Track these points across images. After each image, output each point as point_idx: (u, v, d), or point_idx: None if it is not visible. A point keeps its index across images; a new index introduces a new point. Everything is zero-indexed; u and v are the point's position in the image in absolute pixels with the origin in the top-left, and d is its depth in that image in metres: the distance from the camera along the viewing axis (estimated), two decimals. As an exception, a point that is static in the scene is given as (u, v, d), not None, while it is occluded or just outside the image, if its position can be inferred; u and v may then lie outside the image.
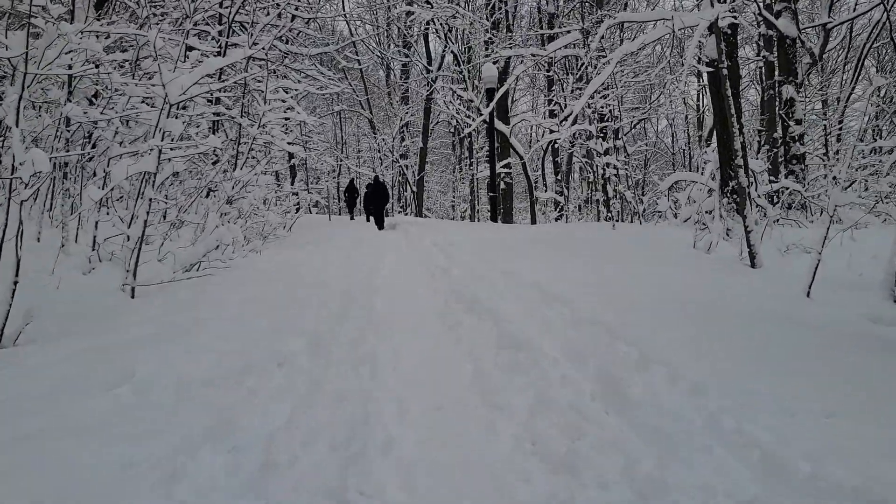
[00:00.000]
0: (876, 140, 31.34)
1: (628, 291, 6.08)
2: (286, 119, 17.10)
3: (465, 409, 3.38)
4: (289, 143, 15.54)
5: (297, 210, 17.93)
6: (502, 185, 22.08)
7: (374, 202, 20.20)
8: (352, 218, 24.09)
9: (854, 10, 28.39)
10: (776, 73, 17.93)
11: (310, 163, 37.83)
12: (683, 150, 36.65)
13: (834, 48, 30.01)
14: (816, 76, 27.46)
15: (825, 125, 25.88)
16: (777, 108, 17.28)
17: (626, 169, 19.23)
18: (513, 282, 6.60)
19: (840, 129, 30.65)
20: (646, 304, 5.46)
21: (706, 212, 12.75)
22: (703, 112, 31.63)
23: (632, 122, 29.66)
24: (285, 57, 20.08)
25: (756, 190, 12.79)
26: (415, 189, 32.42)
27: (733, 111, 9.60)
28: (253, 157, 14.68)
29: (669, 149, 39.56)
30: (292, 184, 23.82)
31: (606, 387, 3.45)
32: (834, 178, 7.31)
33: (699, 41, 9.17)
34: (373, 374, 3.86)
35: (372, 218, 20.62)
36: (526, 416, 3.22)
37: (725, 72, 9.64)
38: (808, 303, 6.99)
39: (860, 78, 29.17)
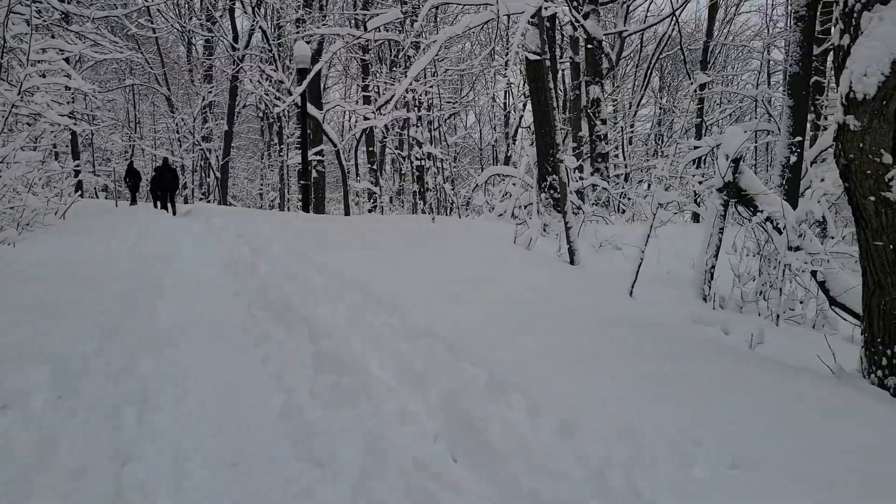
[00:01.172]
0: (658, 144, 34.30)
1: (460, 292, 5.45)
2: (67, 88, 14.78)
3: (272, 467, 2.49)
4: (65, 116, 13.32)
5: (79, 193, 15.53)
6: (314, 174, 20.92)
7: (161, 187, 19.01)
8: (134, 203, 21.70)
9: (645, 21, 30.63)
10: (582, 73, 18.52)
11: (97, 142, 33.86)
12: (493, 145, 37.49)
13: (625, 57, 32.06)
14: (610, 81, 29.20)
15: (622, 127, 27.55)
16: (585, 108, 17.81)
17: (446, 158, 18.96)
18: (332, 281, 5.71)
19: (632, 131, 33.03)
20: (481, 307, 4.85)
21: (522, 206, 12.66)
22: (510, 110, 32.46)
23: (442, 116, 29.71)
24: (64, 17, 17.44)
25: (568, 186, 12.92)
26: (219, 175, 30.09)
27: (555, 104, 9.42)
28: (22, 131, 12.39)
29: (478, 144, 40.33)
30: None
31: (456, 425, 2.71)
32: (657, 176, 7.22)
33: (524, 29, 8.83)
34: (142, 417, 2.82)
35: (165, 205, 19.13)
36: (356, 474, 2.39)
37: (548, 63, 9.43)
38: (633, 302, 6.84)
39: (647, 85, 31.58)
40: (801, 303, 7.92)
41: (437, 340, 3.66)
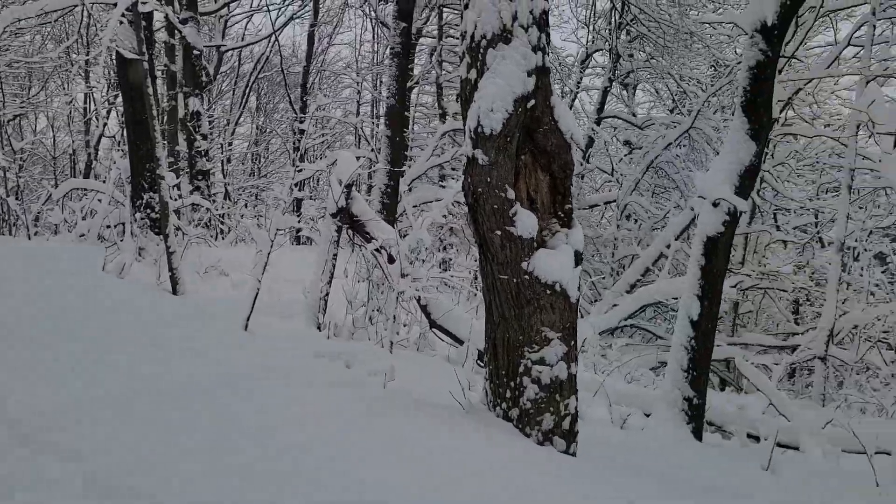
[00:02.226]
0: (255, 164, 34.31)
1: (37, 343, 4.20)
2: None
3: None
4: None
5: None
6: None
7: None
8: None
9: (243, 39, 30.30)
10: (180, 84, 17.29)
11: None
12: (71, 155, 32.90)
13: (222, 73, 31.26)
14: (207, 97, 28.12)
15: (221, 144, 26.61)
16: (183, 120, 16.62)
17: (10, 167, 15.72)
18: None
19: (231, 149, 32.26)
20: (70, 366, 3.77)
21: (111, 226, 11.09)
22: (92, 116, 29.01)
23: (5, 116, 25.02)
24: None
25: (169, 206, 11.74)
26: None
27: (155, 112, 8.32)
28: None
29: (51, 152, 35.06)
30: None
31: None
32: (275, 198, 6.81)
33: (119, 22, 7.59)
34: None
35: None
36: None
37: (146, 66, 8.31)
38: (251, 338, 6.24)
39: (246, 104, 31.35)
40: (405, 326, 8.31)
41: (6, 427, 2.59)
